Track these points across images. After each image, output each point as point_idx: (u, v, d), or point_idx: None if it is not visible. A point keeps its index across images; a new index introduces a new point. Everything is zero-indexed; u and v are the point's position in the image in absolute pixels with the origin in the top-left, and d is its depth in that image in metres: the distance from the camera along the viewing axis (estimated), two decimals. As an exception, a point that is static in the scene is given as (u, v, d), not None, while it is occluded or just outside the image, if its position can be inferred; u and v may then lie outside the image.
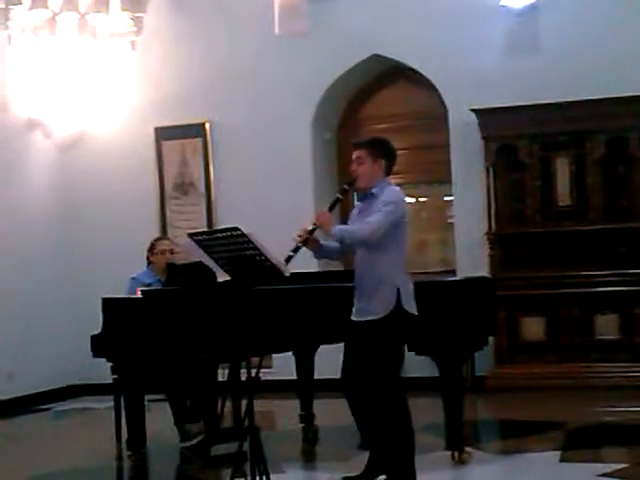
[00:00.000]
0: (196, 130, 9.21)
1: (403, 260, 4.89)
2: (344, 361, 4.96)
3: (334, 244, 4.97)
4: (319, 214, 4.87)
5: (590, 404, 7.34)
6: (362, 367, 4.82)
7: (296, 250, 4.77)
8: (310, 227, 4.84)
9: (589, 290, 8.09)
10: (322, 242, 4.96)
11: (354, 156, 4.96)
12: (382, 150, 4.99)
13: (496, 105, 8.22)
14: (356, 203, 5.16)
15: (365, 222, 4.78)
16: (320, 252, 4.99)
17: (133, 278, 6.66)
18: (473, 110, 8.28)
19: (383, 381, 4.78)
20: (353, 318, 4.91)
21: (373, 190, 4.89)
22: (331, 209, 4.91)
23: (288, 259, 4.70)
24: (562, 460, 5.54)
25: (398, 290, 4.76)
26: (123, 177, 9.42)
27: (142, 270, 6.78)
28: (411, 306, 4.84)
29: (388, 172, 5.01)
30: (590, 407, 7.24)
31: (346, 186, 4.99)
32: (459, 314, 5.50)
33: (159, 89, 9.31)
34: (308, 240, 4.82)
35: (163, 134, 9.34)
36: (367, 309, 4.83)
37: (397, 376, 4.87)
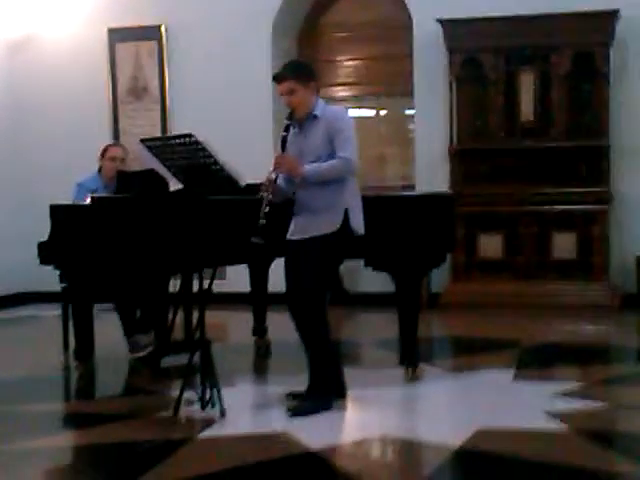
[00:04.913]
0: (151, 32, 8.88)
1: (356, 181, 4.84)
2: (286, 281, 4.86)
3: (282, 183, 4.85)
4: (281, 159, 4.68)
5: (545, 323, 7.36)
6: (297, 282, 4.76)
7: (268, 205, 4.61)
8: (273, 175, 4.68)
9: (548, 208, 8.03)
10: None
11: (282, 89, 4.78)
12: (309, 73, 4.89)
13: (462, 16, 8.00)
14: (291, 131, 4.80)
15: (340, 157, 4.65)
16: (280, 196, 4.84)
17: (79, 184, 6.44)
18: (439, 20, 8.06)
19: (313, 295, 4.75)
20: (292, 237, 4.83)
21: (315, 112, 4.78)
22: (283, 150, 4.72)
23: (263, 217, 4.58)
24: (515, 377, 5.52)
25: (346, 211, 4.73)
26: (74, 80, 9.12)
27: (89, 176, 6.54)
28: (359, 226, 4.80)
29: (317, 91, 4.92)
30: (545, 326, 7.26)
31: (287, 121, 4.79)
32: (418, 230, 5.43)
33: (113, -12, 8.94)
34: (274, 190, 4.69)
35: (117, 36, 9.00)
36: (309, 227, 4.75)
37: (324, 291, 4.84)
